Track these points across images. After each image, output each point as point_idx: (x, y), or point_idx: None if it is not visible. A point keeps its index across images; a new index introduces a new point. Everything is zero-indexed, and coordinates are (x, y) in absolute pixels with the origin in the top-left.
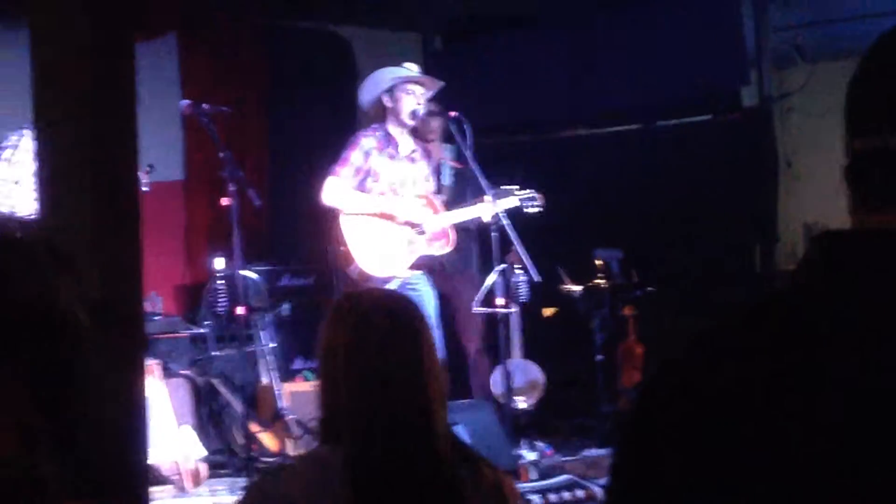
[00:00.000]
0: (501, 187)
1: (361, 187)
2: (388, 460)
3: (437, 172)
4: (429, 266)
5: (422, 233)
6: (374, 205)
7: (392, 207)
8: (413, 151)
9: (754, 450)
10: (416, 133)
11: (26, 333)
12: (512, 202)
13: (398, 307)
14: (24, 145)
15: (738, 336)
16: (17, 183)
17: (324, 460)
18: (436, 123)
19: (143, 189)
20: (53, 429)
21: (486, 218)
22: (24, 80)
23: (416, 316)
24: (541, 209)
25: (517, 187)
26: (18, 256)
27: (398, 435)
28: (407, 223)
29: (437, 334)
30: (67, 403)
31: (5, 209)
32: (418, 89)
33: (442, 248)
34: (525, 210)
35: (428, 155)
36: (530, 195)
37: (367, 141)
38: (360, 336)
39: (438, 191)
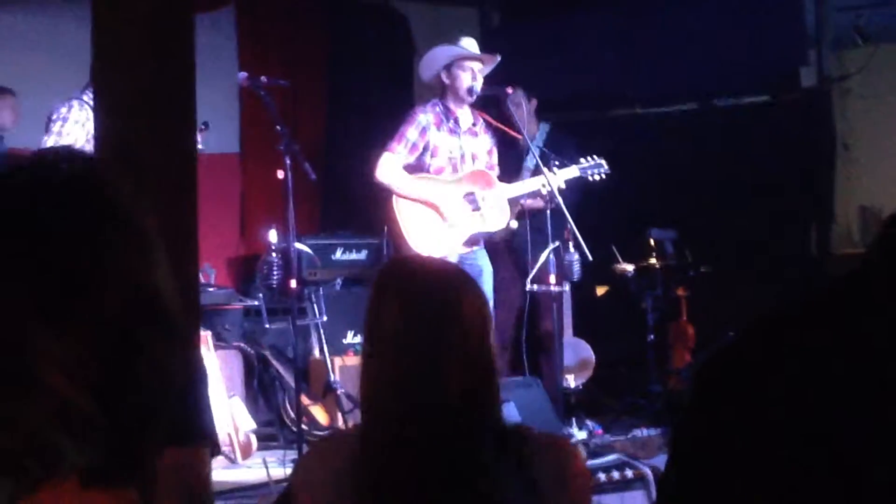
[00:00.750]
0: (561, 159)
1: (420, 162)
2: (424, 443)
3: (500, 145)
4: (487, 241)
5: (477, 209)
6: (421, 192)
7: (436, 198)
8: (474, 125)
9: (814, 449)
10: (484, 107)
11: (117, 306)
12: (573, 172)
13: (450, 279)
14: (74, 116)
15: (801, 333)
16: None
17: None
18: (520, 99)
19: (199, 147)
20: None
21: (546, 190)
22: (73, 52)
23: (468, 289)
24: (606, 174)
25: (592, 158)
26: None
27: (437, 417)
28: (466, 196)
29: (492, 310)
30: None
31: None
32: (476, 65)
33: (497, 225)
34: (590, 178)
35: (490, 129)
36: (594, 163)
37: (425, 116)
38: (408, 308)
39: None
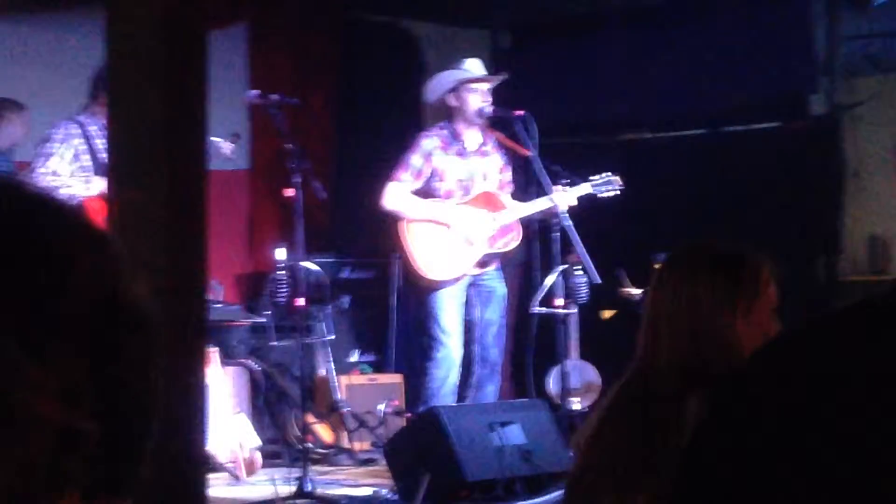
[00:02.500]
0: (572, 177)
1: (429, 188)
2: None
3: (512, 162)
4: (501, 261)
5: (486, 231)
6: (430, 213)
7: (447, 217)
8: (483, 145)
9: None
10: (494, 129)
11: (102, 318)
12: (585, 189)
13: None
14: (59, 136)
15: (823, 351)
16: (55, 174)
17: None
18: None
19: (230, 157)
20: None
21: (561, 208)
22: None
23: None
24: (619, 190)
25: (604, 175)
26: (93, 237)
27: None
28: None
29: (503, 332)
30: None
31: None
32: (484, 86)
33: (507, 246)
34: (601, 195)
35: (502, 147)
36: (605, 179)
37: (429, 142)
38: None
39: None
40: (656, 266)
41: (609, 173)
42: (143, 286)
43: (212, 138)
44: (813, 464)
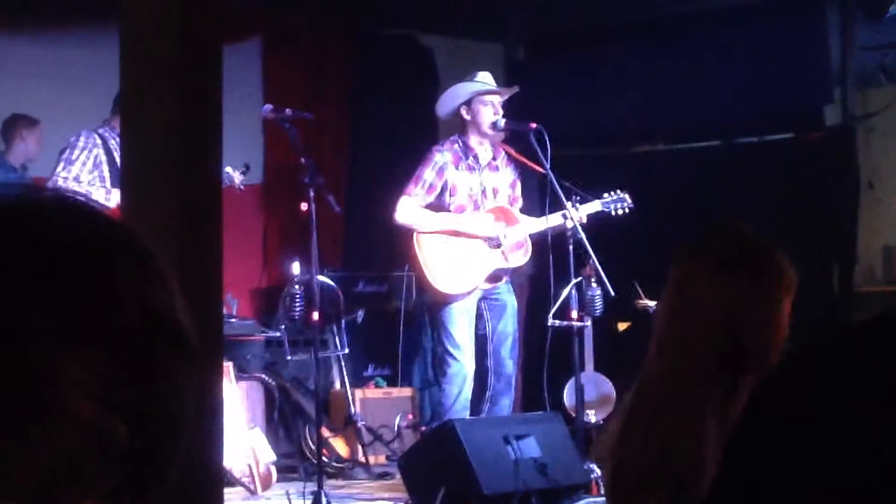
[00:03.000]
0: (584, 194)
1: (440, 202)
2: None
3: (522, 177)
4: (512, 276)
5: (497, 245)
6: (444, 224)
7: (462, 226)
8: (494, 159)
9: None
10: (508, 142)
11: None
12: (595, 207)
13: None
14: (80, 144)
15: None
16: (77, 180)
17: None
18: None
19: (239, 188)
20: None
21: (570, 224)
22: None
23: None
24: (630, 209)
25: (615, 192)
26: (140, 256)
27: None
28: (482, 237)
29: (517, 345)
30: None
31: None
32: (496, 99)
33: (519, 260)
34: (613, 213)
35: (512, 161)
36: (617, 197)
37: (441, 156)
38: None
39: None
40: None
41: (619, 190)
42: (182, 302)
43: (225, 168)
44: (824, 475)
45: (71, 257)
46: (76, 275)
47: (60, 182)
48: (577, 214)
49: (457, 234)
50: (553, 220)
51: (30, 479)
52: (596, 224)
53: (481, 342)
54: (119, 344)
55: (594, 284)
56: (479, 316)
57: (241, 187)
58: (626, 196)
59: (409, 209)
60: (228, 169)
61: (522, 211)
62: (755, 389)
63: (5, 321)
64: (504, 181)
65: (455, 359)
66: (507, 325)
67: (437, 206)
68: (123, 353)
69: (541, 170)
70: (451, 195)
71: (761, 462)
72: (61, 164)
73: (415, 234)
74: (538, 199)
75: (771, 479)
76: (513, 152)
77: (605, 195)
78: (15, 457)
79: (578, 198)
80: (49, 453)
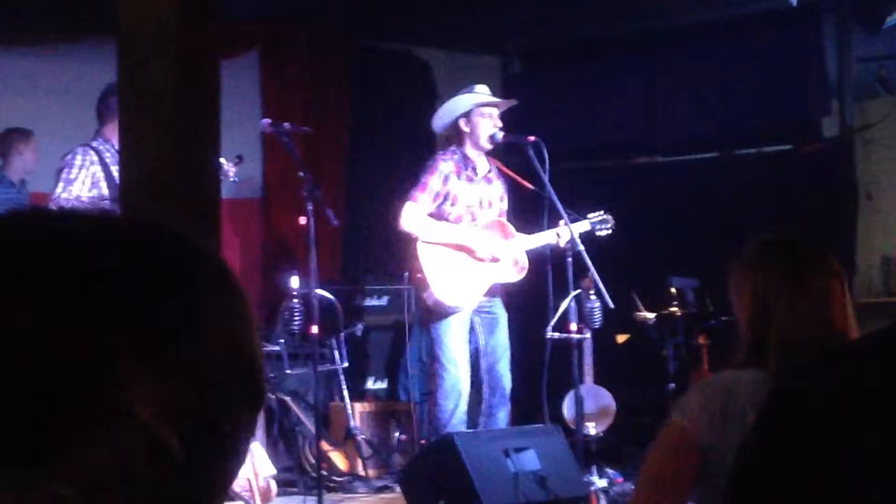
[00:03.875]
0: (573, 213)
1: (440, 211)
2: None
3: (516, 194)
4: (504, 291)
5: (495, 260)
6: (449, 236)
7: (467, 240)
8: (489, 172)
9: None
10: (506, 155)
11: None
12: (584, 226)
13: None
14: (78, 162)
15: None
16: (78, 199)
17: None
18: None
19: (233, 180)
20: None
21: (561, 243)
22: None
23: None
24: (611, 231)
25: (599, 213)
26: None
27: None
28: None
29: (509, 357)
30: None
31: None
32: (495, 111)
33: (515, 275)
34: (596, 233)
35: (502, 175)
36: (601, 217)
37: (446, 165)
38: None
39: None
40: (671, 290)
41: (602, 212)
42: (258, 341)
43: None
44: (844, 481)
45: (165, 282)
46: (167, 299)
47: (62, 203)
48: (567, 234)
49: (459, 247)
50: (546, 237)
51: (85, 472)
52: (594, 236)
53: (474, 356)
54: (194, 371)
55: (593, 297)
56: (472, 329)
57: (235, 178)
58: (609, 217)
59: (414, 217)
60: (222, 159)
61: (515, 226)
62: (773, 393)
63: (92, 326)
64: (496, 194)
65: (450, 373)
66: (500, 339)
67: (437, 214)
68: (196, 380)
69: (530, 186)
70: (451, 204)
71: (779, 463)
72: (61, 185)
73: (417, 242)
74: (532, 213)
75: (787, 480)
76: (502, 166)
77: (592, 215)
78: (74, 448)
79: (570, 216)
80: (107, 450)
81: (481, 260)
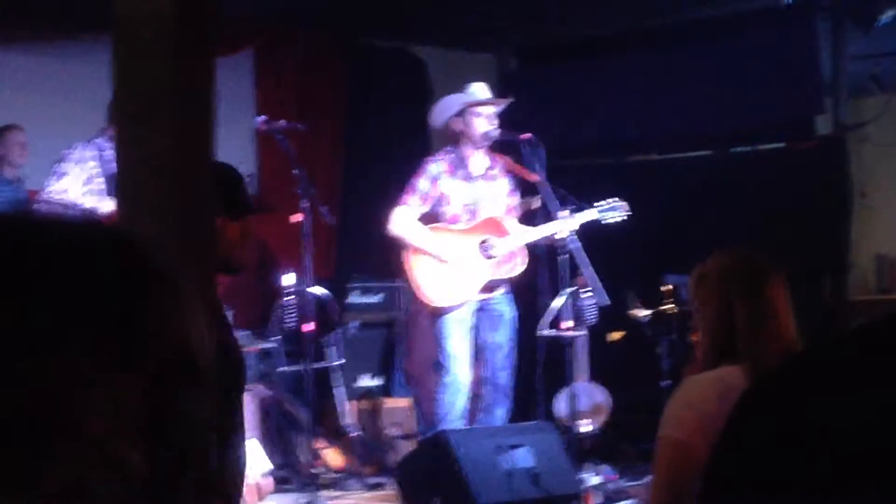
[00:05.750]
0: (578, 203)
1: (435, 211)
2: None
3: (519, 186)
4: (511, 286)
5: (490, 257)
6: (433, 244)
7: (443, 253)
8: (489, 169)
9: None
10: (501, 153)
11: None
12: (591, 215)
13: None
14: (75, 156)
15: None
16: (65, 192)
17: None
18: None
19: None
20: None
21: (564, 234)
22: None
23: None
24: (626, 216)
25: (609, 200)
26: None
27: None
28: (480, 244)
29: (512, 355)
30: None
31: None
32: (489, 110)
33: (512, 271)
34: (607, 221)
35: (509, 171)
36: (611, 204)
37: (435, 166)
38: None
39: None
40: (665, 287)
41: (615, 199)
42: (207, 332)
43: None
44: (807, 482)
45: (96, 285)
46: (102, 302)
47: (51, 195)
48: (572, 224)
49: (447, 247)
50: (546, 229)
51: (40, 493)
52: (589, 233)
53: (477, 352)
54: (140, 372)
55: (587, 294)
56: (476, 326)
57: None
58: (622, 204)
59: (401, 221)
60: None
61: (520, 220)
62: (746, 394)
63: (33, 341)
64: (501, 190)
65: (450, 369)
66: (503, 336)
67: (433, 215)
68: (142, 381)
69: (535, 178)
70: (446, 204)
71: (753, 463)
72: (53, 178)
73: (408, 247)
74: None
75: (755, 481)
76: (509, 162)
77: (599, 203)
78: (28, 470)
79: (574, 206)
80: (60, 470)
81: (472, 249)
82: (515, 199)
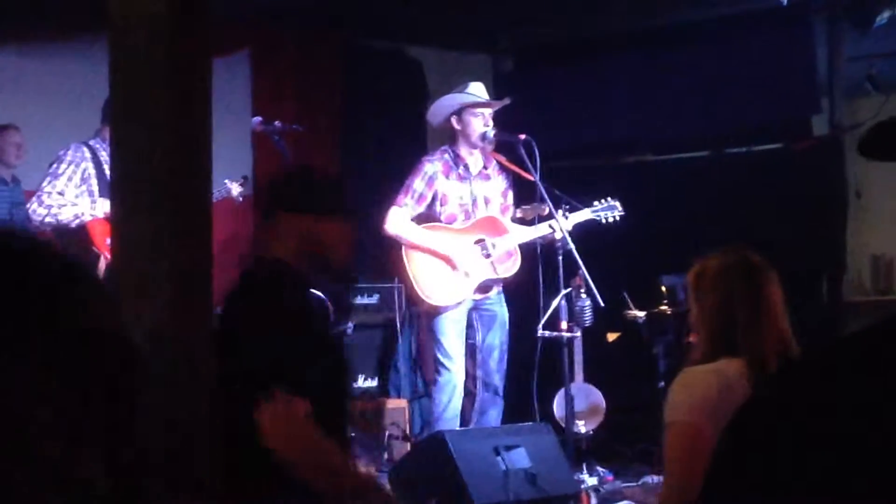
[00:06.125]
0: (573, 203)
1: (431, 211)
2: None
3: (514, 185)
4: (504, 285)
5: (487, 256)
6: (429, 242)
7: (445, 248)
8: (486, 168)
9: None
10: (497, 152)
11: (99, 361)
12: (585, 215)
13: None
14: (69, 157)
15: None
16: (61, 194)
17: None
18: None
19: (238, 199)
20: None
21: (559, 234)
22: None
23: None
24: (621, 216)
25: (604, 201)
26: (88, 282)
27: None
28: (476, 244)
29: (505, 356)
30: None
31: (51, 219)
32: (486, 110)
33: (508, 270)
34: (603, 221)
35: (504, 170)
36: (607, 205)
37: (431, 166)
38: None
39: (517, 205)
40: (662, 288)
41: (610, 199)
42: (124, 318)
43: (224, 180)
44: (809, 485)
45: (25, 301)
46: (35, 319)
47: (45, 197)
48: (566, 224)
49: (435, 253)
50: (542, 229)
51: None
52: (585, 234)
53: (470, 352)
54: (75, 374)
55: (583, 295)
56: (470, 326)
57: (240, 198)
58: (617, 203)
59: (397, 221)
60: (226, 181)
61: (514, 220)
62: (748, 401)
63: None
64: (496, 190)
65: (446, 368)
66: (496, 337)
67: (429, 215)
68: (82, 382)
69: (531, 177)
70: (441, 204)
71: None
72: (47, 179)
73: (404, 247)
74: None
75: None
76: (505, 161)
77: (595, 203)
78: None
79: (568, 206)
80: (19, 497)
81: (455, 270)
82: (510, 199)
